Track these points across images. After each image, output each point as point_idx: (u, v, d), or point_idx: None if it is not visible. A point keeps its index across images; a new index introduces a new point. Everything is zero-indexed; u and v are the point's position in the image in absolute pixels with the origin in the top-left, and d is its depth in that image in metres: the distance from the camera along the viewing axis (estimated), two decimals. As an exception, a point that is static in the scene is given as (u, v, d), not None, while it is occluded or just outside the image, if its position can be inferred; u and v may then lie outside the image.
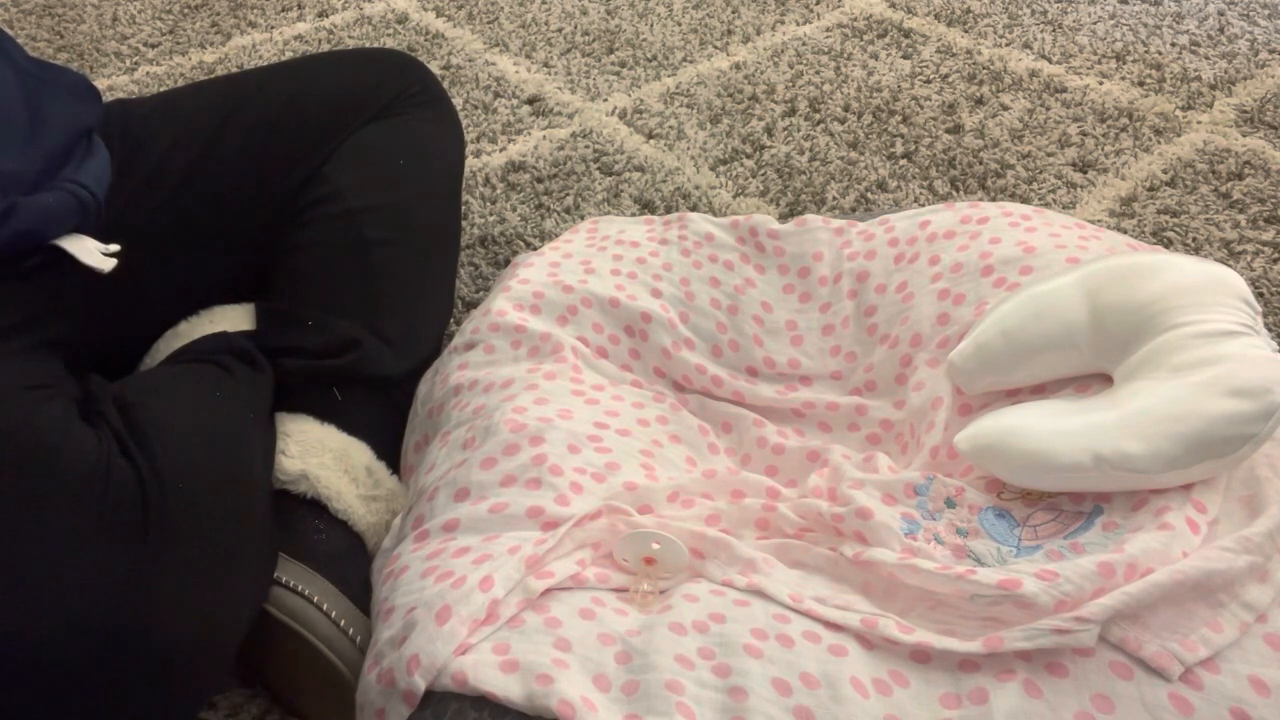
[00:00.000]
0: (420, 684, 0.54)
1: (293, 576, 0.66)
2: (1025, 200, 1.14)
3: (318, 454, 0.72)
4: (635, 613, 0.59)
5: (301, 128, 0.84)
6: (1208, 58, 1.38)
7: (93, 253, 0.69)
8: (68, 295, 0.72)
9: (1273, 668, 0.51)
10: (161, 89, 1.28)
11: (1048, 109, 1.28)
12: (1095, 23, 1.47)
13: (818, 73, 1.37)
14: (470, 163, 1.22)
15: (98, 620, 0.54)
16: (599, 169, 1.21)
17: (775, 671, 0.53)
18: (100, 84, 1.39)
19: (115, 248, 0.71)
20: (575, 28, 1.50)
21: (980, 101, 1.30)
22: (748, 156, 1.22)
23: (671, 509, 0.66)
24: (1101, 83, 1.33)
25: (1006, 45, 1.42)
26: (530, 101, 1.34)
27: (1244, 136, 1.23)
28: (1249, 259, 1.05)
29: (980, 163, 1.19)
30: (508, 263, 1.05)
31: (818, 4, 1.54)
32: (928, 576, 0.57)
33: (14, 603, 0.53)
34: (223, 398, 0.69)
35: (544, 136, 1.27)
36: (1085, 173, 1.18)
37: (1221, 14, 1.48)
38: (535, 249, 1.02)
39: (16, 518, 0.55)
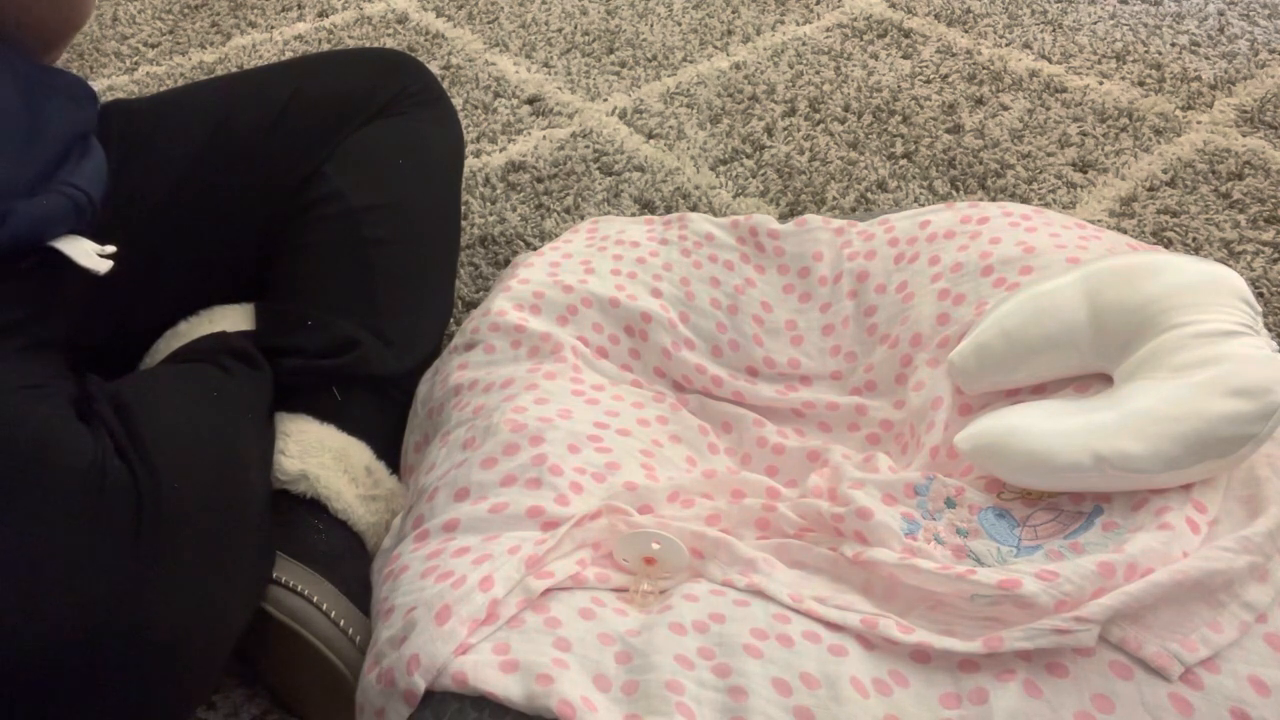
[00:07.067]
0: (420, 684, 0.54)
1: (292, 576, 0.66)
2: (1025, 200, 1.14)
3: (317, 454, 0.72)
4: (635, 613, 0.58)
5: (301, 127, 0.83)
6: (1208, 58, 1.38)
7: (88, 254, 0.69)
8: (65, 295, 0.72)
9: (1273, 668, 0.51)
10: (161, 89, 1.28)
11: (1048, 109, 1.28)
12: (1095, 23, 1.47)
13: (818, 73, 1.37)
14: (470, 163, 1.22)
15: (92, 619, 0.54)
16: (599, 169, 1.21)
17: (775, 671, 0.53)
18: (100, 84, 1.39)
19: (111, 249, 0.70)
20: (575, 28, 1.50)
21: (980, 101, 1.30)
22: (748, 156, 1.22)
23: (671, 509, 0.66)
24: (1101, 83, 1.33)
25: (1006, 45, 1.42)
26: (530, 101, 1.34)
27: (1244, 136, 1.23)
28: (1249, 259, 1.05)
29: (980, 163, 1.19)
30: (508, 263, 1.05)
31: (818, 4, 1.54)
32: (928, 576, 0.57)
33: (7, 602, 0.53)
34: (220, 398, 0.69)
35: (544, 136, 1.27)
36: (1085, 173, 1.18)
37: (1221, 14, 1.48)
38: (535, 249, 1.02)
39: (11, 517, 0.55)
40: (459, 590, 0.57)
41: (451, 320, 0.95)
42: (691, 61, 1.42)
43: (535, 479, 0.65)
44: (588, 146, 1.24)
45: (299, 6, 1.57)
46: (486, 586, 0.57)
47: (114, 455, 0.59)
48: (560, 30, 1.49)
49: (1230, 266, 1.03)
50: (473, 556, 0.61)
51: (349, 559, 0.70)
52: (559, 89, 1.36)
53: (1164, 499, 0.58)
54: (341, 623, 0.65)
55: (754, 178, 1.19)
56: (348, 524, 0.71)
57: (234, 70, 1.39)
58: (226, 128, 0.82)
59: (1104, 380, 0.67)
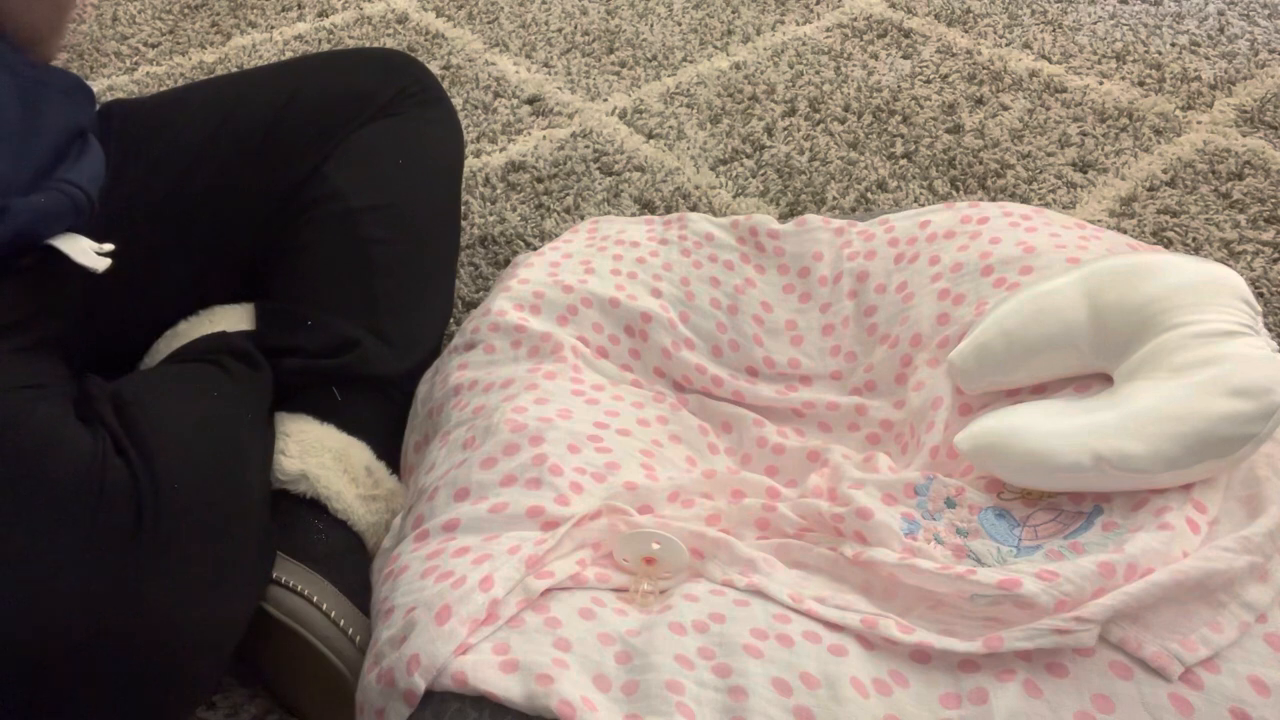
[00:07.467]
0: (420, 684, 0.54)
1: (292, 576, 0.66)
2: (1025, 200, 1.14)
3: (317, 454, 0.72)
4: (635, 613, 0.58)
5: (301, 127, 0.83)
6: (1208, 58, 1.38)
7: (86, 252, 0.69)
8: (64, 294, 0.72)
9: (1273, 668, 0.51)
10: (161, 89, 1.28)
11: (1048, 109, 1.28)
12: (1095, 23, 1.47)
13: (818, 73, 1.37)
14: (470, 163, 1.22)
15: (91, 619, 0.54)
16: (599, 169, 1.21)
17: (775, 671, 0.53)
18: (100, 84, 1.39)
19: (110, 247, 0.70)
20: (575, 28, 1.50)
21: (980, 101, 1.30)
22: (748, 156, 1.22)
23: (671, 509, 0.66)
24: (1101, 83, 1.33)
25: (1006, 45, 1.42)
26: (530, 101, 1.34)
27: (1244, 136, 1.23)
28: (1249, 259, 1.05)
29: (980, 163, 1.19)
30: (508, 263, 1.05)
31: (818, 4, 1.54)
32: (928, 576, 0.57)
33: (6, 603, 0.53)
34: (220, 398, 0.69)
35: (544, 136, 1.27)
36: (1085, 173, 1.18)
37: (1221, 14, 1.48)
38: (535, 249, 1.02)
39: (10, 517, 0.55)
40: (459, 590, 0.57)
41: (451, 320, 0.95)
42: (691, 61, 1.42)
43: (535, 479, 0.65)
44: (588, 146, 1.24)
45: (299, 6, 1.57)
46: (486, 586, 0.57)
47: (114, 455, 0.59)
48: (560, 30, 1.49)
49: (1230, 266, 1.03)
50: (473, 556, 0.60)
51: (349, 559, 0.70)
52: (559, 89, 1.36)
53: (1164, 499, 0.58)
54: (341, 623, 0.65)
55: (754, 178, 1.19)
56: (348, 524, 0.71)
57: (234, 70, 1.39)
58: (226, 128, 0.82)
59: (1104, 380, 0.67)
